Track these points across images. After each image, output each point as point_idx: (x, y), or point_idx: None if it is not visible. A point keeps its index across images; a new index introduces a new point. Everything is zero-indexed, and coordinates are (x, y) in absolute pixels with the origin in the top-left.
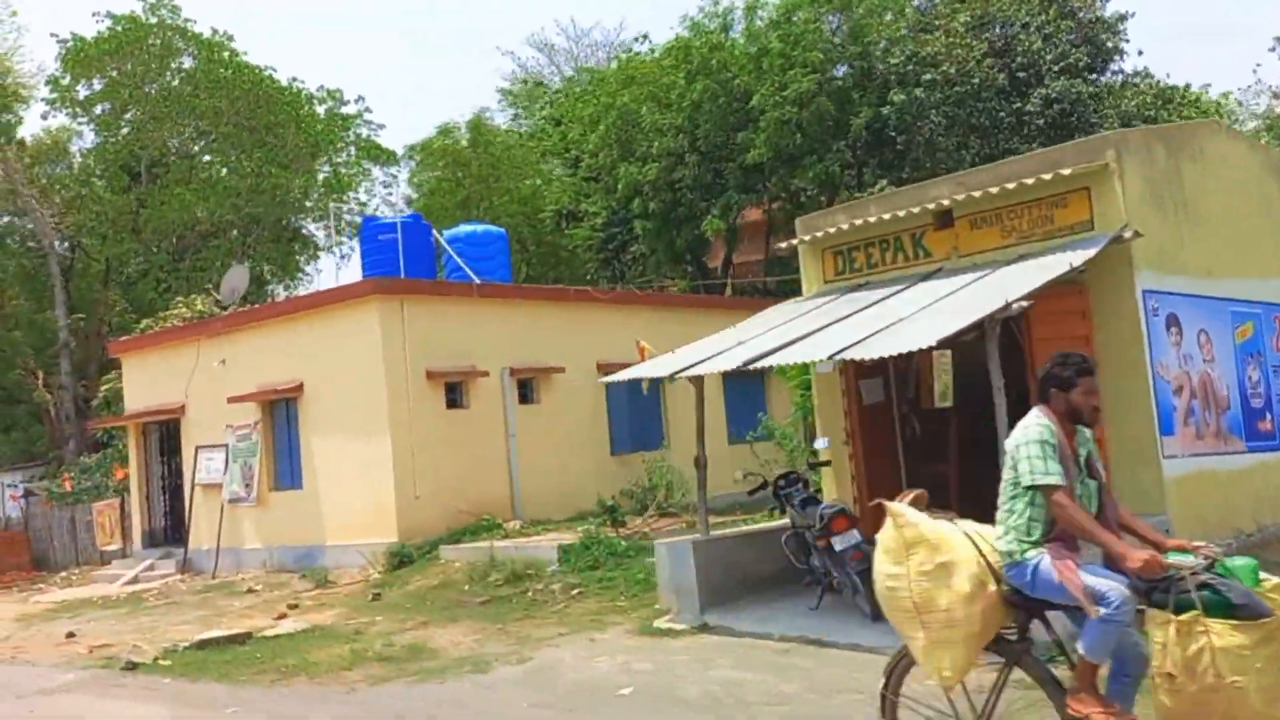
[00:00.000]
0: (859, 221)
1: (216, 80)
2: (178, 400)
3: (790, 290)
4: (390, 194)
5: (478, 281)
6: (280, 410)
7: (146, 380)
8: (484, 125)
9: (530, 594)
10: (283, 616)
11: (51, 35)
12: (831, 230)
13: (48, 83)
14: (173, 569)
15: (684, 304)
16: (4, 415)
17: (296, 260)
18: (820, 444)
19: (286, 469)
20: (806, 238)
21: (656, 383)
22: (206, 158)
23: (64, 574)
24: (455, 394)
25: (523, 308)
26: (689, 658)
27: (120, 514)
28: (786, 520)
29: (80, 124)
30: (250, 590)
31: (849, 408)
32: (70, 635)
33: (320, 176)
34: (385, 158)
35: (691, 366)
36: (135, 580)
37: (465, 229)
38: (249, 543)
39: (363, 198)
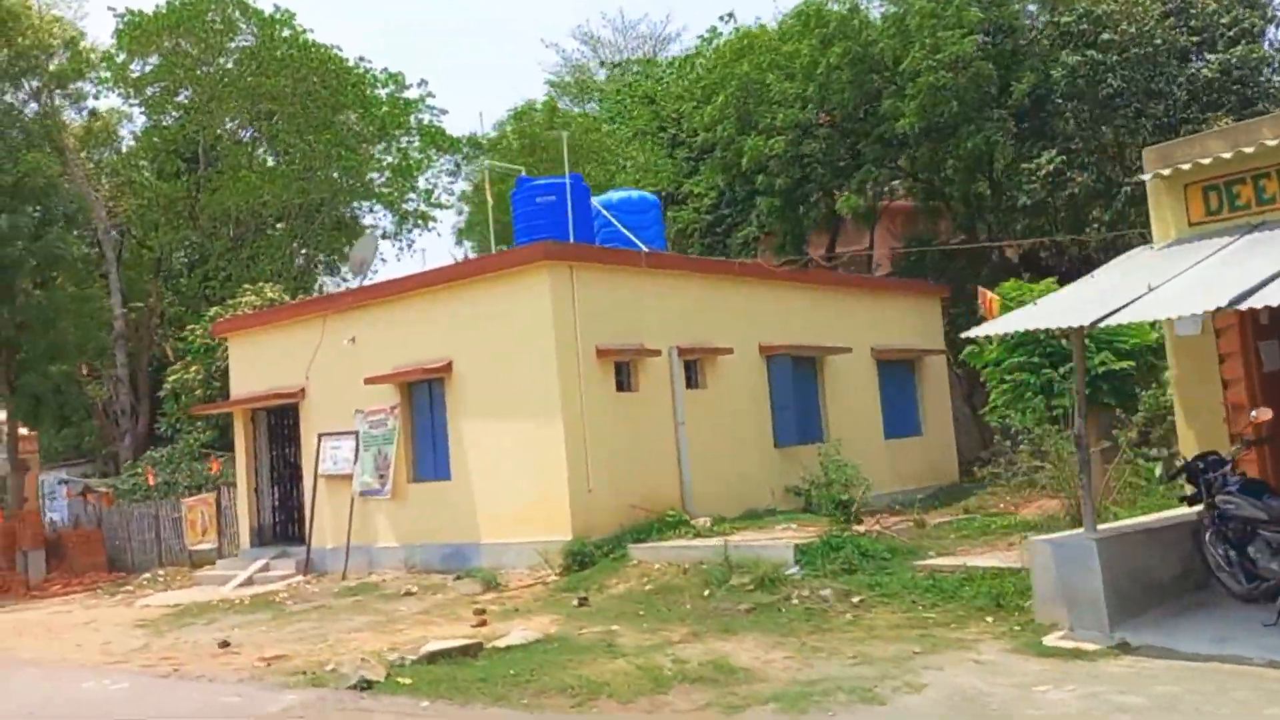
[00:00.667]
0: (1249, 149)
1: (281, 59)
2: (296, 383)
3: None
4: (453, 182)
5: (645, 250)
6: (422, 392)
7: (258, 362)
8: (558, 109)
9: (795, 600)
10: (482, 623)
11: (109, 9)
12: (1205, 161)
13: (103, 59)
14: (292, 569)
15: (853, 285)
16: (57, 410)
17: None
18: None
19: (429, 458)
20: (1165, 171)
21: (812, 370)
22: (260, 150)
23: (148, 575)
24: (623, 375)
25: (691, 281)
26: (1147, 688)
27: (216, 510)
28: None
29: (130, 105)
30: (408, 593)
31: (1245, 375)
32: (225, 645)
33: (384, 162)
34: (450, 144)
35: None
36: (250, 582)
37: (616, 195)
38: (383, 540)
39: (422, 185)
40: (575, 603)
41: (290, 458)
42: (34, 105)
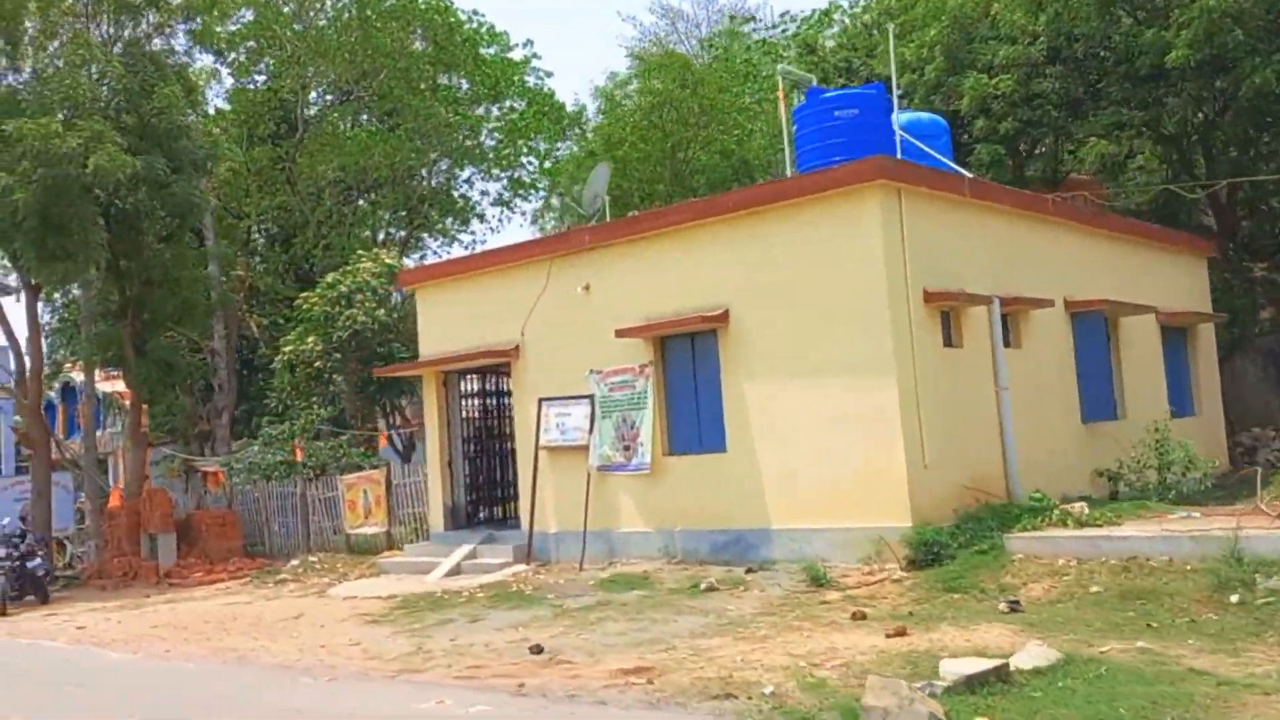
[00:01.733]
0: None
1: (390, 11)
2: (506, 340)
3: None
4: (559, 149)
5: (968, 176)
6: (682, 348)
7: (455, 316)
8: (693, 65)
9: None
10: (900, 632)
11: None
12: None
13: (199, 11)
14: (508, 557)
15: (1144, 235)
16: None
17: (443, 223)
18: None
19: (691, 426)
20: None
21: (1106, 333)
22: (360, 114)
23: (296, 561)
24: (947, 327)
25: (1008, 218)
26: None
27: (385, 489)
28: None
29: (218, 66)
30: (710, 588)
31: None
32: (537, 649)
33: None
34: (557, 112)
35: None
36: (458, 570)
37: (905, 117)
38: (627, 523)
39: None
40: (1003, 608)
41: (495, 427)
42: (157, 42)
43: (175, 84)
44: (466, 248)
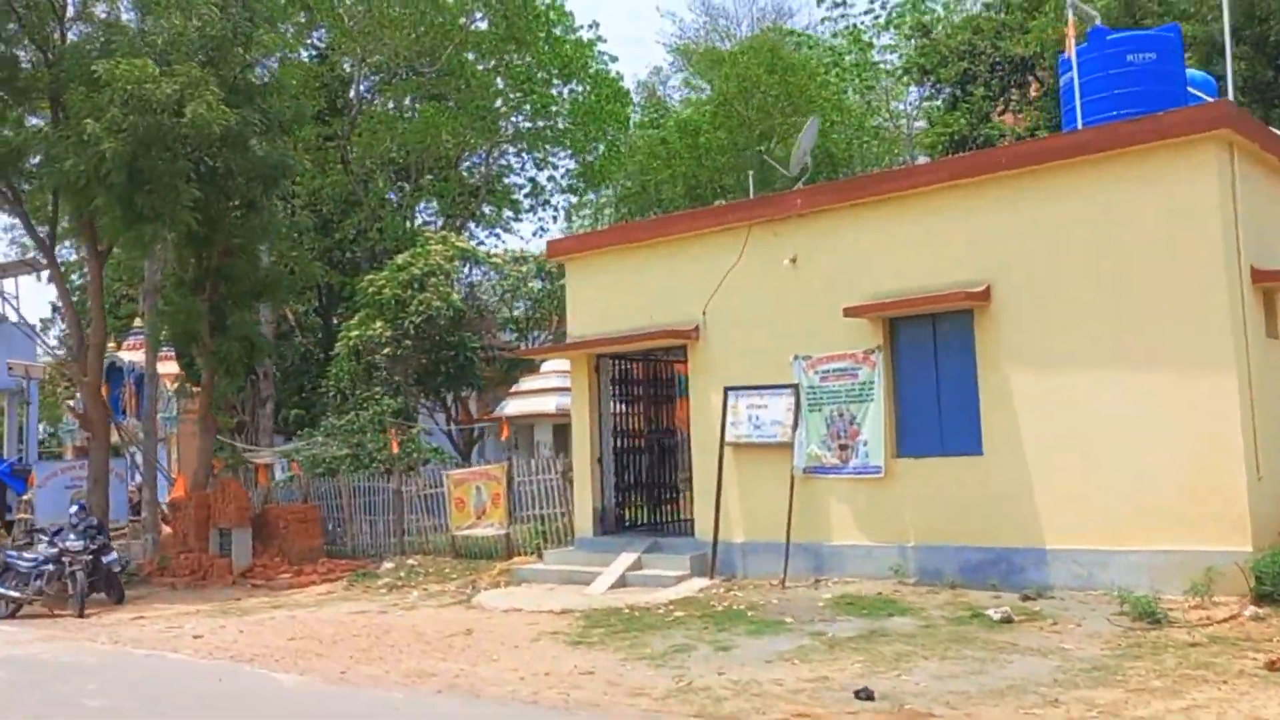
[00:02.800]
0: None
1: None
2: (682, 319)
3: None
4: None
5: None
6: (920, 331)
7: (614, 292)
8: (781, 51)
9: None
10: None
11: None
12: None
13: None
14: (682, 569)
15: None
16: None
17: (487, 212)
18: None
19: (929, 424)
20: None
21: None
22: (394, 98)
23: (390, 564)
24: (1271, 313)
25: None
26: None
27: (506, 487)
28: None
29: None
30: (1006, 619)
31: None
32: (867, 695)
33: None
34: (623, 98)
35: None
36: (623, 583)
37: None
38: (840, 535)
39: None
40: None
41: (659, 419)
42: None
43: (273, 32)
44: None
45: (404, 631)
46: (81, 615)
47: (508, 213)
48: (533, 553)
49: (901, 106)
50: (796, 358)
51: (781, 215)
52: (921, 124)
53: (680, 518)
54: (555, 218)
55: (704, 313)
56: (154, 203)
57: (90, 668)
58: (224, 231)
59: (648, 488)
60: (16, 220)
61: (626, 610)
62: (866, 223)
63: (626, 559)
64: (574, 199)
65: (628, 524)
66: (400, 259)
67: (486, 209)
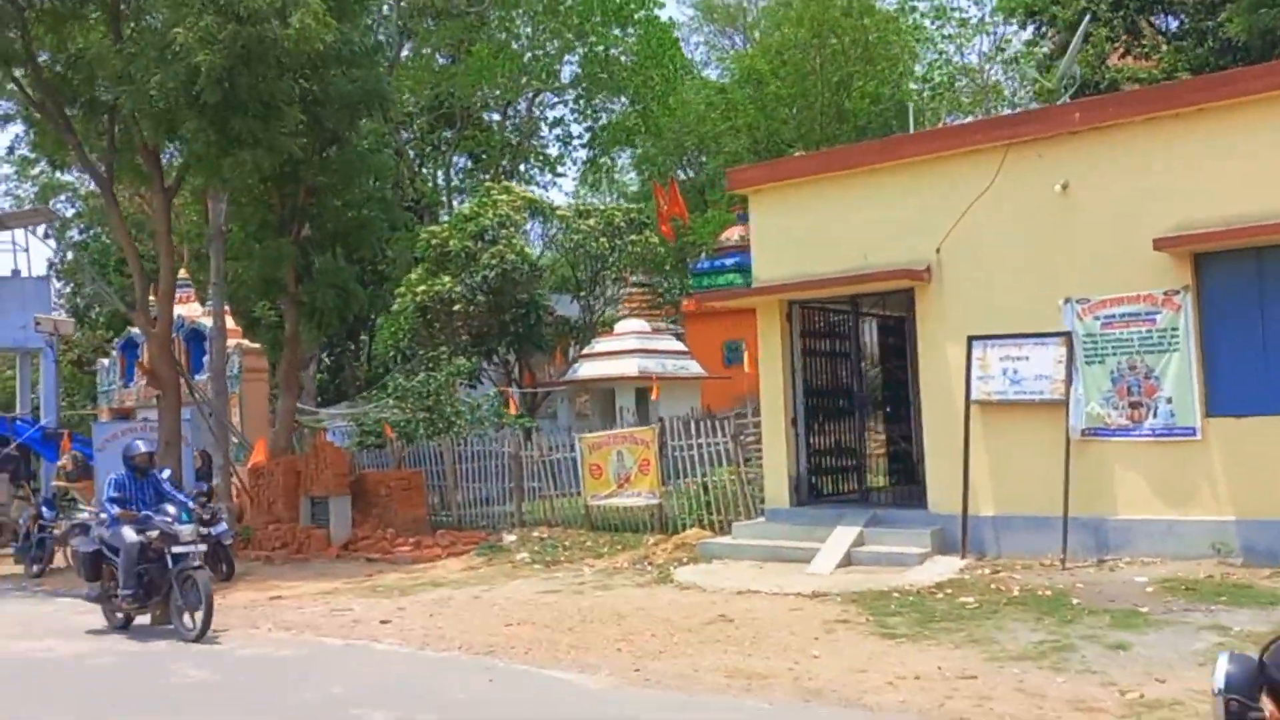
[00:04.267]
0: None
1: None
2: (911, 260)
3: None
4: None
5: None
6: (1240, 270)
7: (815, 230)
8: None
9: None
10: None
11: None
12: None
13: None
14: (918, 544)
15: None
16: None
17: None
18: None
19: (1256, 378)
20: None
21: None
22: (426, 43)
23: (515, 537)
24: None
25: None
26: None
27: (659, 451)
28: None
29: None
30: None
31: None
32: None
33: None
34: (672, 46)
35: None
36: (848, 561)
37: None
38: (1129, 509)
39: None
40: None
41: (857, 374)
42: None
43: None
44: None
45: (641, 617)
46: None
47: (536, 170)
48: (693, 525)
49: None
50: (1068, 301)
51: (1050, 133)
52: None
53: (885, 486)
54: (596, 174)
55: (938, 250)
56: (252, 127)
57: (304, 662)
58: (313, 166)
59: (848, 453)
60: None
61: (896, 595)
62: (1168, 140)
63: (845, 534)
64: (615, 156)
65: (822, 494)
66: (465, 209)
67: (523, 166)
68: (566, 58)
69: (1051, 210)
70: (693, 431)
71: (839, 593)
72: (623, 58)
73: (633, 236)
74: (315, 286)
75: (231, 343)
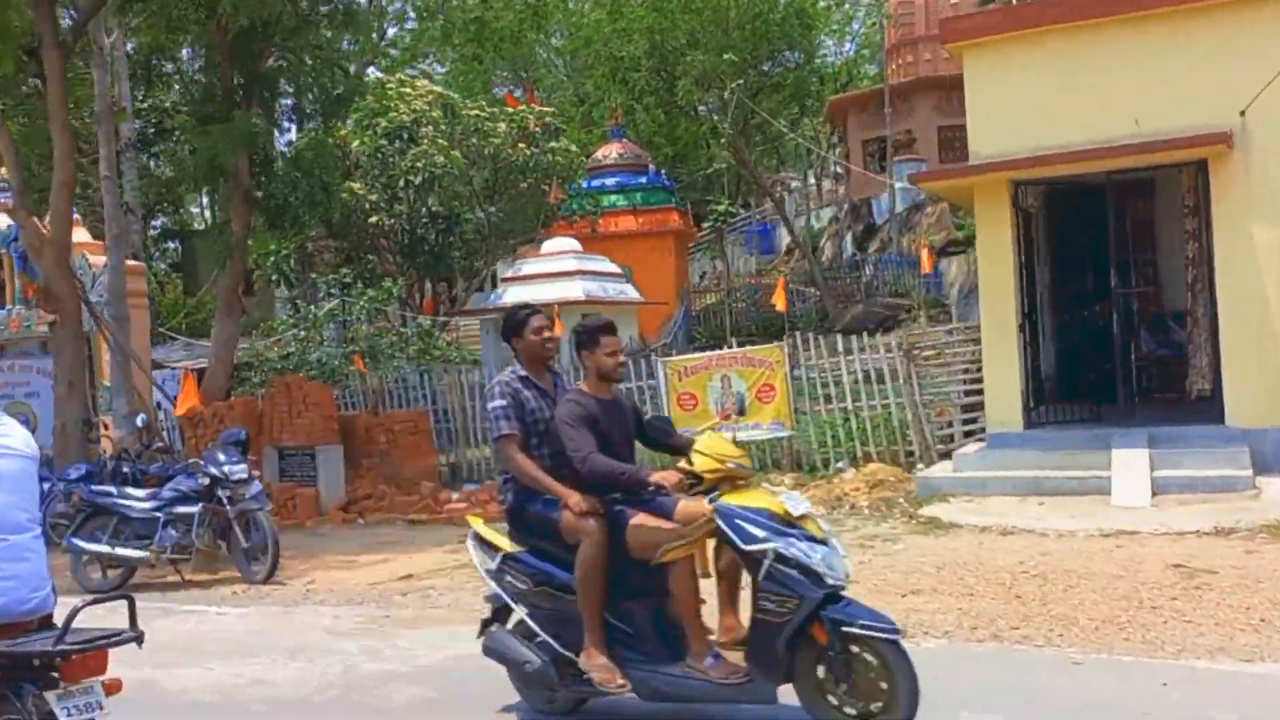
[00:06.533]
0: None
1: None
2: (1200, 125)
3: None
4: None
5: None
6: None
7: (1057, 91)
8: None
9: None
10: None
11: None
12: None
13: None
14: (1226, 467)
15: None
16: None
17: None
18: None
19: None
20: None
21: None
22: None
23: None
24: None
25: None
26: None
27: (789, 371)
28: None
29: None
30: None
31: None
32: None
33: None
34: None
35: None
36: (1155, 490)
37: None
38: None
39: None
40: None
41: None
42: None
43: None
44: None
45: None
46: (269, 580)
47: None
48: (840, 461)
49: None
50: None
51: None
52: None
53: (1137, 399)
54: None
55: (1242, 114)
56: None
57: None
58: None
59: (1090, 364)
60: None
61: None
62: None
63: (1133, 458)
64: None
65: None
66: (368, 104)
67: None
68: None
69: None
70: (838, 347)
71: (1210, 528)
72: None
73: (552, 144)
74: (275, 180)
75: (94, 259)
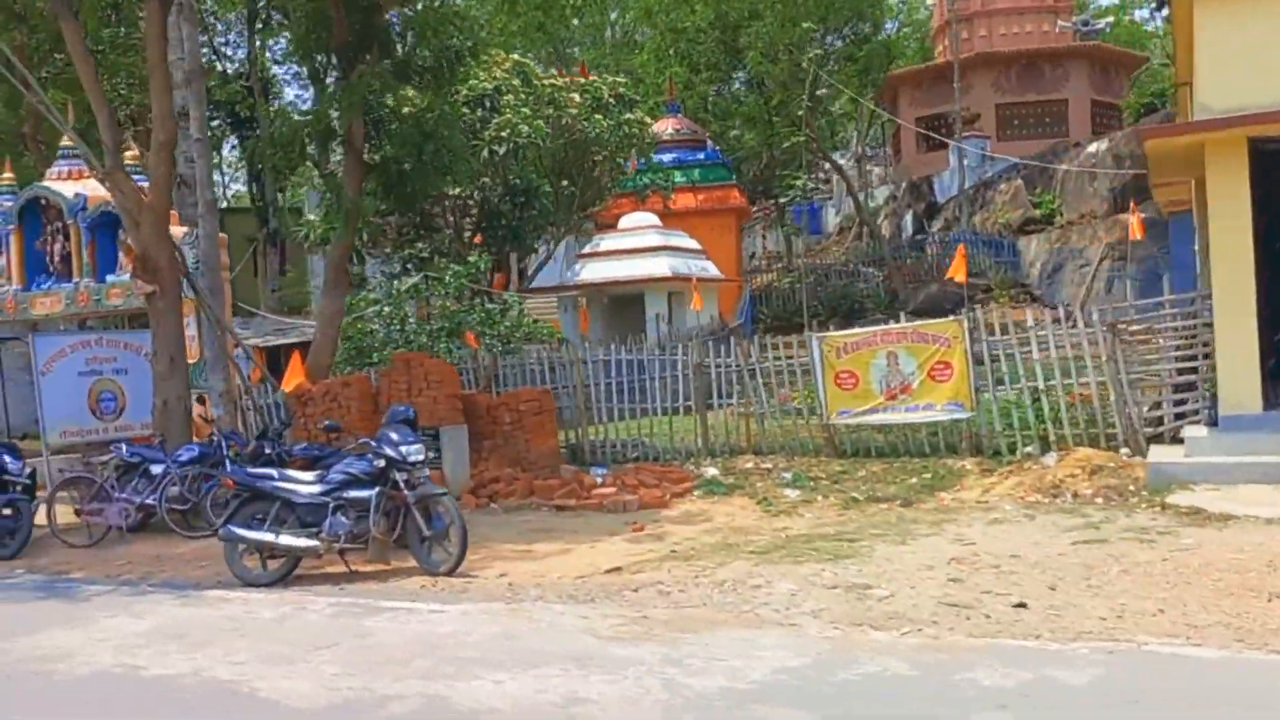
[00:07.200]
0: None
1: None
2: None
3: None
4: None
5: None
6: None
7: None
8: None
9: None
10: None
11: None
12: None
13: None
14: None
15: None
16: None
17: None
18: None
19: None
20: None
21: None
22: None
23: (716, 470)
24: None
25: None
26: None
27: (965, 351)
28: None
29: None
30: None
31: None
32: None
33: None
34: None
35: None
36: None
37: None
38: None
39: None
40: None
41: None
42: None
43: None
44: None
45: None
46: (454, 572)
47: None
48: (1028, 445)
49: None
50: None
51: None
52: None
53: None
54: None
55: None
56: None
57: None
58: None
59: None
60: None
61: None
62: None
63: None
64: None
65: None
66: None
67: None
68: None
69: None
70: (1029, 322)
71: None
72: None
73: (626, 115)
74: (394, 143)
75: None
